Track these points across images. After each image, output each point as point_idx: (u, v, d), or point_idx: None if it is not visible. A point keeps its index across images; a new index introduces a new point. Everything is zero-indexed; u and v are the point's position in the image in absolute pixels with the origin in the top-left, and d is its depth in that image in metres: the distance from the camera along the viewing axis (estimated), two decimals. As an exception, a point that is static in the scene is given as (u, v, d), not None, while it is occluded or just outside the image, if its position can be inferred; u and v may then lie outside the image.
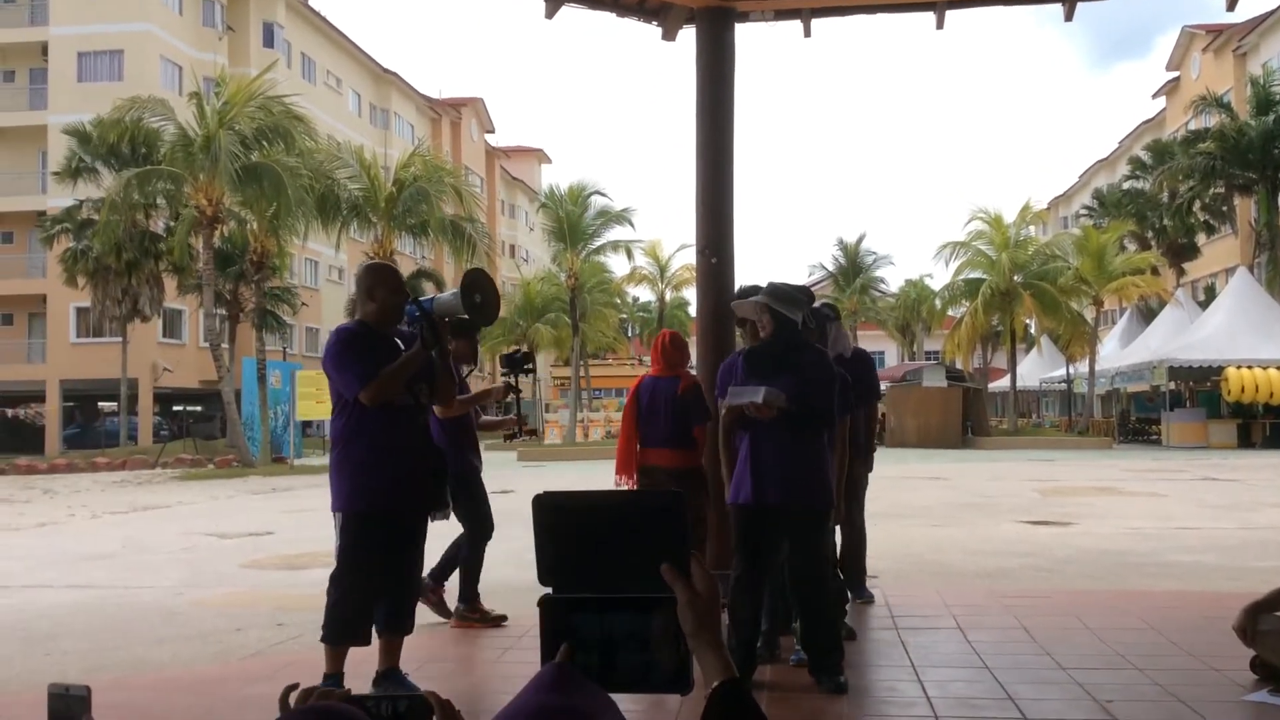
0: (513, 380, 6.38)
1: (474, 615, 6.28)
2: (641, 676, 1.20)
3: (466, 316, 4.46)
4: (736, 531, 4.96)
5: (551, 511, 1.23)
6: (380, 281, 4.56)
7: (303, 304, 39.99)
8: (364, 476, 4.38)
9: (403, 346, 4.52)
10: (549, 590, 1.28)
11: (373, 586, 4.45)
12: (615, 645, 1.19)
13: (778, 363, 4.90)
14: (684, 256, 44.92)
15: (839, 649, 4.86)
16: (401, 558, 4.50)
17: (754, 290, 5.69)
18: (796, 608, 5.03)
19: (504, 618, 6.31)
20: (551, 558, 1.24)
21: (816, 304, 5.71)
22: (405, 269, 40.62)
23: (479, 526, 6.32)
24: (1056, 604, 6.79)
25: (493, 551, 10.34)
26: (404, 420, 4.46)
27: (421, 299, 4.53)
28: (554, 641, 1.22)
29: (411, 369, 4.42)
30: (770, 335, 4.94)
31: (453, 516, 5.82)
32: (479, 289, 4.43)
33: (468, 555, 6.34)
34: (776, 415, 4.72)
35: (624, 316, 55.22)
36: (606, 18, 7.96)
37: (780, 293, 4.98)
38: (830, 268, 54.40)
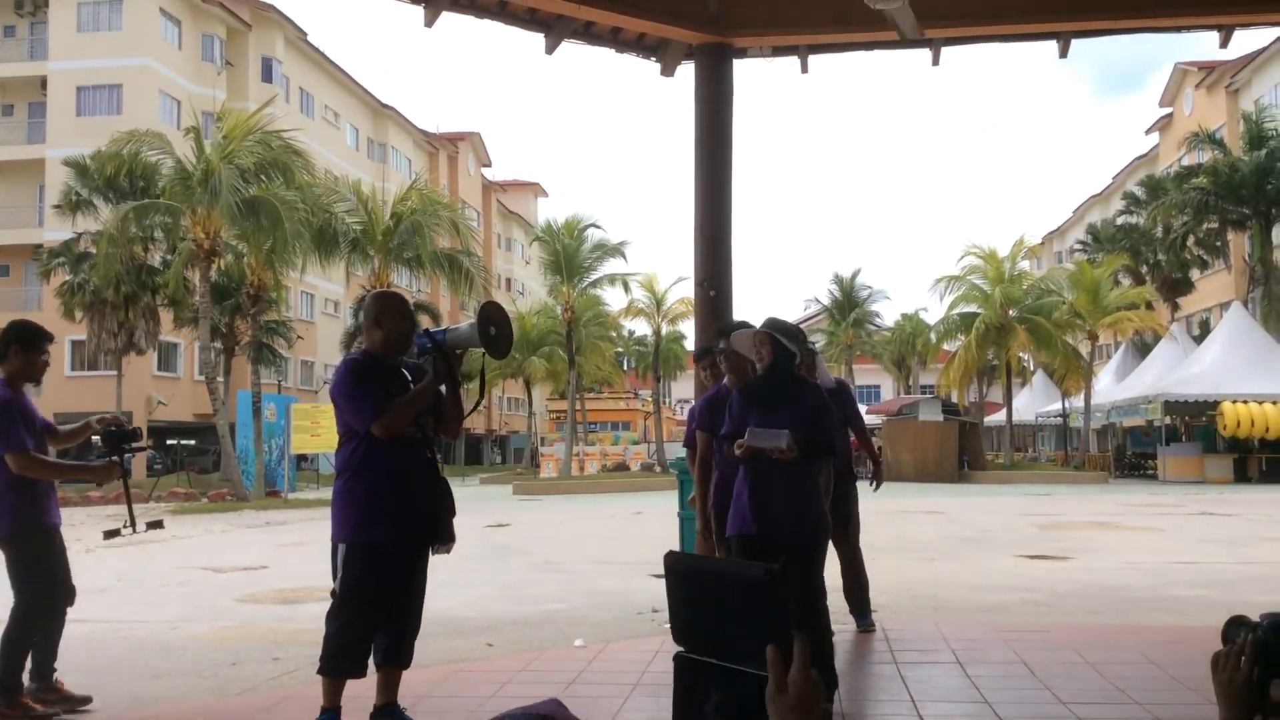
0: (117, 460, 5.36)
1: (15, 713, 5.06)
2: None
3: (482, 349, 4.44)
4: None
5: (677, 574, 1.24)
6: (387, 310, 4.55)
7: (298, 337, 39.97)
8: (370, 507, 4.35)
9: (409, 377, 4.52)
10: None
11: (373, 618, 4.42)
12: (732, 715, 1.20)
13: (776, 397, 4.93)
14: (679, 290, 45.08)
15: (833, 679, 4.87)
16: (403, 590, 4.47)
17: (738, 325, 5.76)
18: None
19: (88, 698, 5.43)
20: (680, 618, 1.26)
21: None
22: (401, 302, 40.59)
23: (47, 592, 5.25)
24: (1056, 638, 6.77)
25: (488, 585, 10.32)
26: (410, 451, 4.44)
27: (434, 330, 4.52)
28: (682, 699, 1.24)
29: (423, 401, 4.42)
30: (769, 368, 4.98)
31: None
32: (494, 322, 4.42)
33: (14, 629, 5.14)
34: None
35: (620, 350, 55.26)
36: (605, 53, 8.05)
37: (781, 326, 5.04)
38: (825, 301, 54.54)
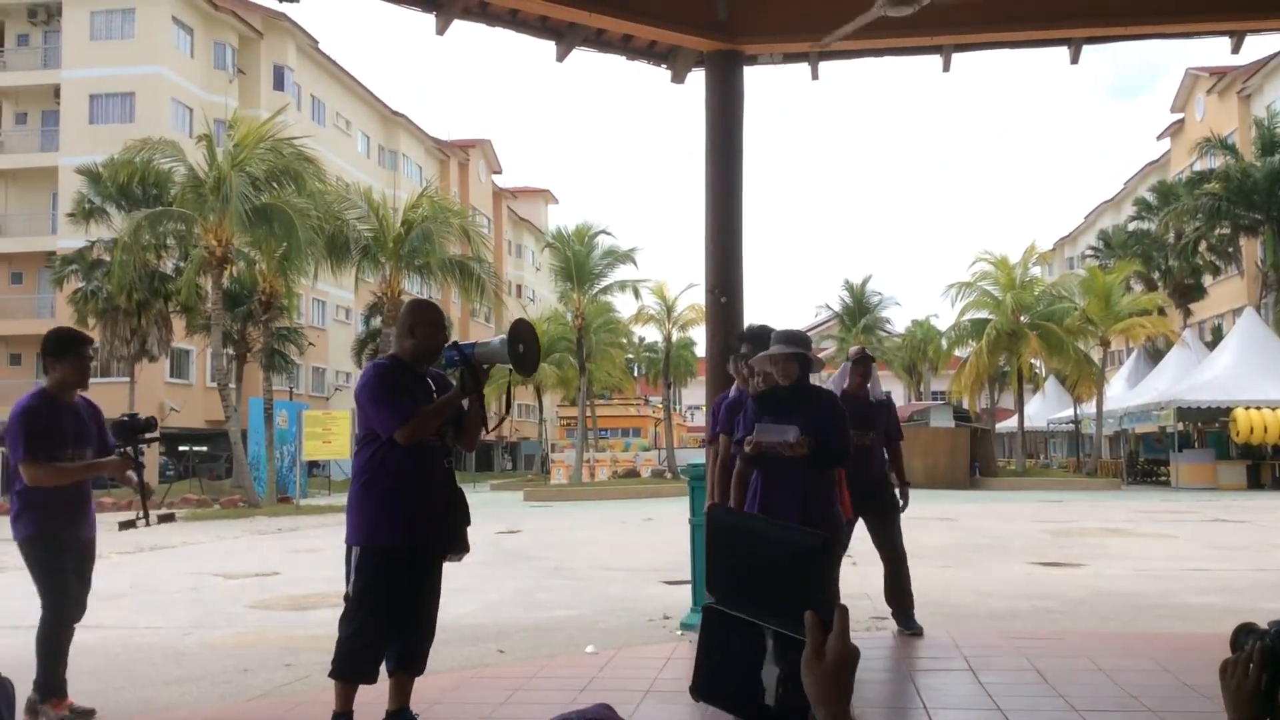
0: (130, 452, 5.34)
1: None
2: (765, 709, 1.21)
3: (510, 365, 4.47)
4: None
5: (720, 529, 1.29)
6: (422, 319, 4.56)
7: (310, 344, 40.06)
8: (386, 511, 4.37)
9: (433, 386, 4.56)
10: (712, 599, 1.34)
11: (387, 623, 4.43)
12: (756, 670, 1.21)
13: (790, 404, 4.98)
14: (690, 296, 45.06)
15: None
16: (417, 596, 4.49)
17: (759, 330, 5.79)
18: None
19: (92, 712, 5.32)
20: (714, 571, 1.30)
21: (856, 348, 6.00)
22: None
23: (63, 600, 5.27)
24: (1068, 645, 6.75)
25: (499, 591, 10.33)
26: (428, 459, 4.46)
27: (463, 344, 4.54)
28: (705, 647, 1.27)
29: (448, 412, 4.45)
30: (794, 381, 5.04)
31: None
32: (523, 339, 4.45)
33: (43, 629, 5.26)
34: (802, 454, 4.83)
35: (630, 356, 55.29)
36: (616, 61, 8.08)
37: (797, 338, 5.10)
38: (836, 308, 54.52)
